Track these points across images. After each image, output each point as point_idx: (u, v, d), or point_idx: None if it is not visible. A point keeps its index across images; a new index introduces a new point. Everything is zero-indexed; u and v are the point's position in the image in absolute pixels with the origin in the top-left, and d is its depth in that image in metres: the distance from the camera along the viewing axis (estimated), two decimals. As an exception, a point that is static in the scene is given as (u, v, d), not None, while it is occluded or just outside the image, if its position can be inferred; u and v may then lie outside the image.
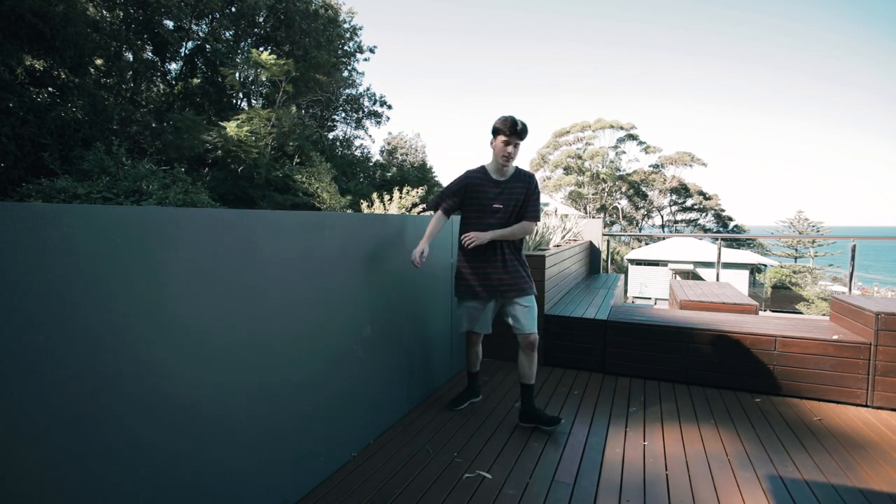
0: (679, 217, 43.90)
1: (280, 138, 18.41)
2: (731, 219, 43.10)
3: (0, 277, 1.03)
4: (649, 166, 43.80)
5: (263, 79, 18.79)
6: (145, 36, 17.94)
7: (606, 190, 42.73)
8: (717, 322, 3.45)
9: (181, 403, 1.45)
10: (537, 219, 2.61)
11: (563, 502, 1.95)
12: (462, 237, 2.58)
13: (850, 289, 6.26)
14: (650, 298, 20.30)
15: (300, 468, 1.95)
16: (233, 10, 19.88)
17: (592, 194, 42.47)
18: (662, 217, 44.03)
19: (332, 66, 22.10)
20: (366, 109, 27.51)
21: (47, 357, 1.12)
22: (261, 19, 21.20)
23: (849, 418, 2.79)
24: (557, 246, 4.85)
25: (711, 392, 3.18)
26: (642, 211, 43.57)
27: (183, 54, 20.00)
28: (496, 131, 2.51)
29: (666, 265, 24.36)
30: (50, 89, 13.84)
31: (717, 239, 13.28)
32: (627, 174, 43.21)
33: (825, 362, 3.01)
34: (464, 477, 2.12)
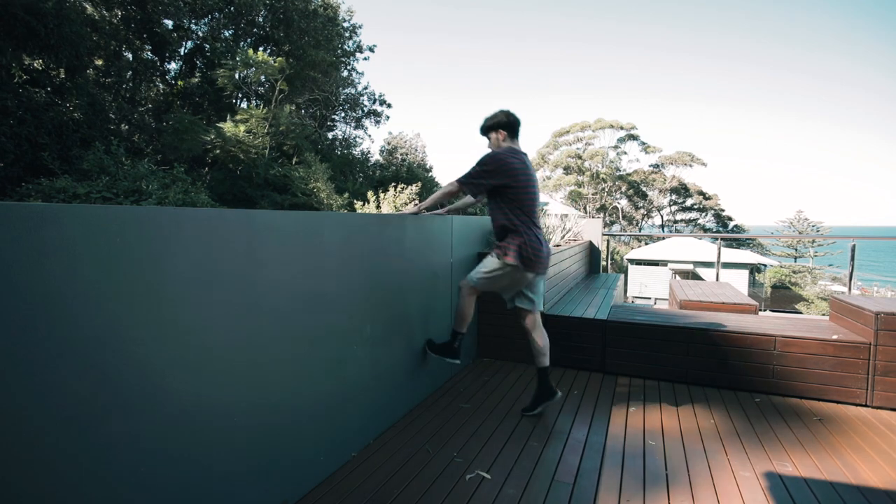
0: (679, 217, 43.93)
1: (277, 137, 18.41)
2: (730, 219, 43.13)
3: (-1, 277, 1.03)
4: (649, 166, 43.83)
5: (262, 78, 18.78)
6: (144, 35, 17.93)
7: (606, 190, 42.74)
8: (717, 322, 3.45)
9: (181, 403, 1.45)
10: (460, 180, 2.68)
11: (563, 502, 1.95)
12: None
13: (849, 289, 6.27)
14: (650, 298, 20.29)
15: (300, 468, 1.95)
16: (231, 9, 19.86)
17: (592, 194, 42.48)
18: (662, 217, 44.05)
19: (331, 66, 22.10)
20: (365, 108, 27.51)
21: (46, 357, 1.11)
22: (260, 19, 21.19)
23: (849, 418, 2.79)
24: (557, 246, 4.85)
25: (711, 392, 3.18)
26: (642, 211, 43.59)
27: (182, 54, 19.99)
28: (504, 126, 2.69)
29: (666, 265, 24.37)
30: (48, 89, 13.82)
31: (716, 239, 13.29)
32: (627, 174, 43.22)
33: (825, 362, 3.01)
34: (464, 477, 2.11)
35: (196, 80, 19.93)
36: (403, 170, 23.58)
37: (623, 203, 43.71)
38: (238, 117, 17.10)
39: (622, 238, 37.34)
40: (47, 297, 1.11)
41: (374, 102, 27.44)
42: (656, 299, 18.01)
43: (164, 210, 1.40)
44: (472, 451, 2.36)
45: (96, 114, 14.67)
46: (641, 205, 43.43)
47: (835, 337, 3.02)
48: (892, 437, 2.54)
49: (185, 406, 1.46)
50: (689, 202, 43.27)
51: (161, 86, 19.92)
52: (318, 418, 2.05)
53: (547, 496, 1.98)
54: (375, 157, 28.85)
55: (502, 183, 2.59)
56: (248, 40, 21.51)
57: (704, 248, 24.33)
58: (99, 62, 16.61)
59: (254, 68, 17.60)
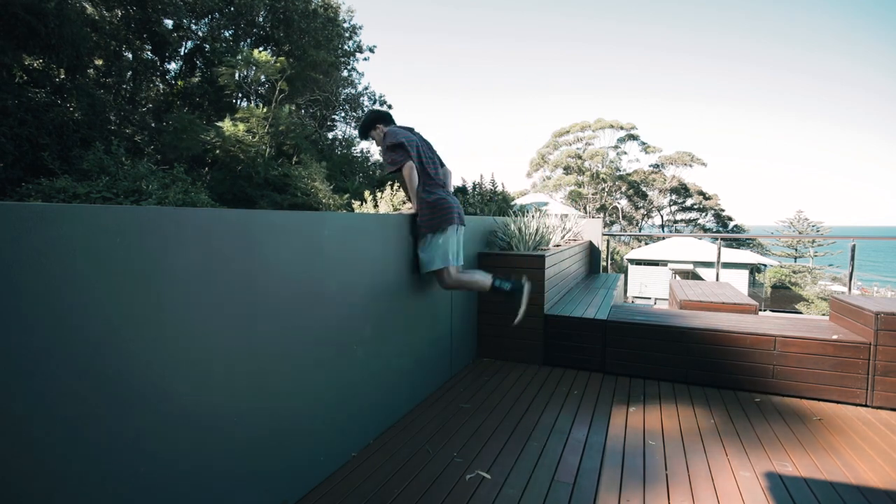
0: (679, 217, 43.93)
1: (277, 137, 18.42)
2: (730, 219, 43.14)
3: (-1, 277, 1.03)
4: (649, 166, 43.83)
5: (262, 78, 18.78)
6: (144, 35, 17.93)
7: (606, 190, 42.74)
8: (717, 322, 3.45)
9: (180, 403, 1.45)
10: (400, 166, 2.82)
11: (563, 502, 1.95)
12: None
13: (849, 288, 6.27)
14: (650, 298, 20.29)
15: (300, 468, 1.95)
16: (231, 9, 19.86)
17: (592, 194, 42.48)
18: (662, 217, 44.05)
19: (332, 66, 22.10)
20: (365, 109, 27.52)
21: (46, 357, 1.11)
22: (260, 19, 21.19)
23: (849, 418, 2.79)
24: (557, 246, 4.85)
25: (711, 392, 3.18)
26: (642, 211, 43.59)
27: (182, 54, 20.00)
28: (379, 118, 3.01)
29: (666, 265, 24.37)
30: (48, 89, 13.82)
31: (716, 239, 13.29)
32: (627, 174, 43.22)
33: (825, 362, 3.01)
34: (464, 477, 2.11)
35: (196, 79, 19.93)
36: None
37: (623, 203, 43.72)
38: (238, 116, 17.09)
39: (622, 238, 37.34)
40: (47, 297, 1.11)
41: (374, 103, 27.45)
42: (656, 299, 18.02)
43: (164, 210, 1.40)
44: (472, 451, 2.36)
45: (96, 114, 14.66)
46: (641, 205, 43.43)
47: (835, 337, 3.02)
48: (892, 437, 2.54)
49: (185, 406, 1.46)
50: (689, 202, 43.28)
51: (161, 86, 19.92)
52: (317, 418, 2.05)
53: (547, 496, 1.98)
54: (375, 156, 28.85)
55: (413, 152, 2.81)
56: (248, 40, 21.51)
57: (704, 248, 24.33)
58: (99, 62, 16.61)
59: (255, 68, 17.61)
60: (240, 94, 20.80)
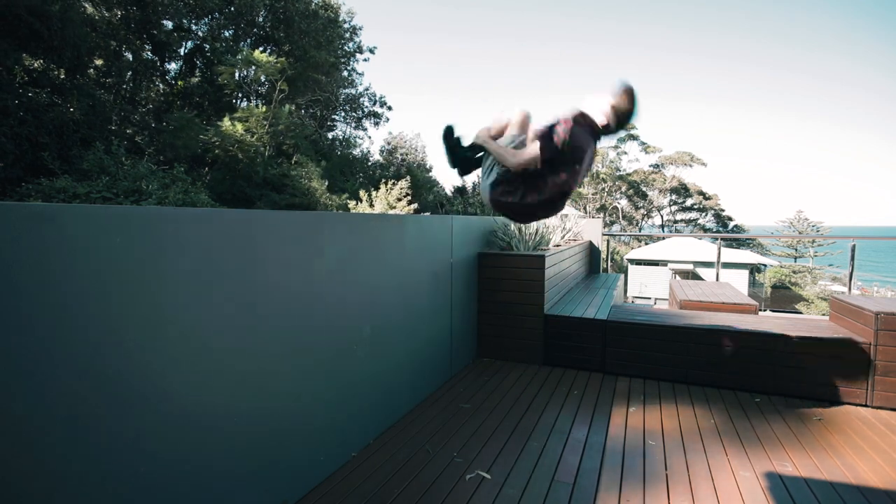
0: (679, 217, 43.92)
1: (277, 137, 18.42)
2: (730, 219, 43.13)
3: (-1, 277, 1.03)
4: (649, 166, 43.82)
5: (262, 78, 18.79)
6: (144, 36, 17.93)
7: (606, 190, 42.74)
8: (717, 322, 3.45)
9: (181, 403, 1.45)
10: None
11: (563, 502, 1.95)
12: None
13: (849, 288, 6.27)
14: (650, 298, 20.28)
15: (300, 468, 1.95)
16: (231, 9, 19.87)
17: (592, 194, 42.48)
18: (662, 217, 44.05)
19: (332, 66, 22.11)
20: (365, 109, 27.55)
21: (46, 357, 1.11)
22: (260, 19, 21.20)
23: (849, 418, 2.79)
24: (557, 246, 4.85)
25: (711, 392, 3.18)
26: (642, 211, 43.58)
27: (182, 54, 20.00)
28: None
29: (666, 265, 24.36)
30: (48, 89, 13.82)
31: (716, 239, 13.29)
32: (627, 174, 43.21)
33: (825, 362, 3.01)
34: (464, 477, 2.11)
35: (196, 80, 19.94)
36: (403, 170, 23.62)
37: (623, 203, 43.70)
38: (237, 116, 17.09)
39: (622, 238, 37.33)
40: (47, 297, 1.11)
41: (374, 104, 27.47)
42: (656, 299, 18.00)
43: (164, 210, 1.40)
44: (472, 451, 2.36)
45: (96, 114, 14.66)
46: (641, 205, 43.42)
47: (835, 337, 3.02)
48: (892, 437, 2.54)
49: (185, 406, 1.46)
50: (689, 202, 43.27)
51: (161, 86, 19.91)
52: (317, 418, 2.05)
53: (547, 496, 1.98)
54: (375, 156, 28.85)
55: None
56: (248, 40, 21.52)
57: (704, 248, 24.32)
58: (99, 62, 16.61)
59: (255, 68, 17.61)
60: (240, 94, 20.80)
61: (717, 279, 7.61)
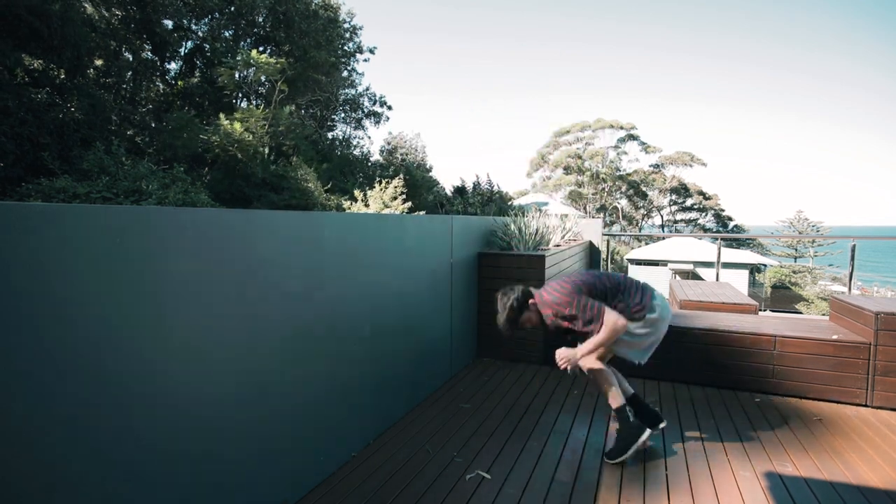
0: (679, 217, 43.92)
1: (276, 137, 18.42)
2: (730, 219, 43.12)
3: (-1, 277, 1.03)
4: (649, 166, 43.81)
5: (262, 78, 18.79)
6: (144, 35, 17.93)
7: (606, 190, 42.74)
8: (717, 322, 3.45)
9: (181, 404, 1.45)
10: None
11: (563, 502, 1.95)
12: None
13: (849, 288, 6.27)
14: (650, 298, 20.20)
15: (300, 468, 1.95)
16: (231, 9, 19.87)
17: (592, 194, 42.48)
18: (662, 217, 44.05)
19: (332, 66, 22.11)
20: (365, 109, 27.54)
21: (46, 356, 1.11)
22: (260, 19, 21.20)
23: (848, 418, 2.79)
24: (557, 246, 4.85)
25: (711, 392, 3.18)
26: (642, 211, 43.58)
27: (182, 54, 20.00)
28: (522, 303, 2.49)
29: (666, 265, 24.36)
30: (48, 89, 13.81)
31: (716, 239, 13.28)
32: (627, 174, 43.20)
33: (825, 362, 3.01)
34: (464, 477, 2.11)
35: (196, 79, 19.94)
36: (403, 170, 23.62)
37: (623, 203, 43.70)
38: (237, 116, 17.08)
39: (622, 238, 37.32)
40: (47, 297, 1.11)
41: (374, 104, 27.45)
42: (656, 299, 17.93)
43: (164, 210, 1.40)
44: (472, 451, 2.36)
45: (96, 114, 14.65)
46: (641, 205, 43.42)
47: (835, 337, 3.02)
48: (892, 437, 2.54)
49: (185, 406, 1.46)
50: (689, 202, 43.27)
51: (161, 86, 19.91)
52: (317, 418, 2.05)
53: (547, 496, 1.98)
54: (375, 157, 28.82)
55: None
56: (248, 40, 21.51)
57: (704, 248, 24.30)
58: (99, 62, 16.61)
59: (254, 68, 17.60)
60: (240, 94, 20.79)
61: (717, 279, 7.61)
